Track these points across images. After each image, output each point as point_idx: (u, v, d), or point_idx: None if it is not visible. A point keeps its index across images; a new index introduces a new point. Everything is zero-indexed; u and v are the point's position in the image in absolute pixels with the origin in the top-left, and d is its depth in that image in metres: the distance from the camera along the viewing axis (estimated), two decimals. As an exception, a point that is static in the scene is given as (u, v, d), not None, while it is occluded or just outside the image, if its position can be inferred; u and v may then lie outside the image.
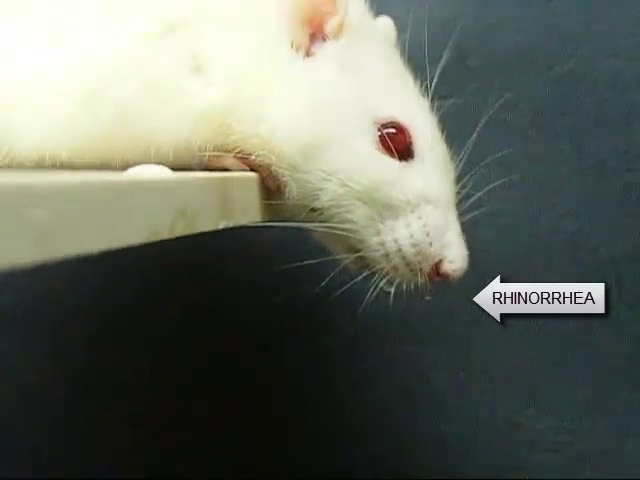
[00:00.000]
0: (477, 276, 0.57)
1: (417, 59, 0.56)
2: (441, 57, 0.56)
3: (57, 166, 0.48)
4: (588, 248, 0.81)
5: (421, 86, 0.56)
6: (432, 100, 0.55)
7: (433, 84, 0.54)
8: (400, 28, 0.62)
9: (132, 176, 0.34)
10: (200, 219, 0.40)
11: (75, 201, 0.28)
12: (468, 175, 0.54)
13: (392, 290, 0.52)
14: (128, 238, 0.32)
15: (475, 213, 0.55)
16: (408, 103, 0.53)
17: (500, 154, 0.62)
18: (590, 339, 0.81)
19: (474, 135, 0.55)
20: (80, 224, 0.28)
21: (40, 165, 0.48)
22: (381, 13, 0.59)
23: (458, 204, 0.54)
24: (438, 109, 0.55)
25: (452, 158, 0.54)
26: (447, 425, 0.84)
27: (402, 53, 0.59)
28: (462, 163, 0.54)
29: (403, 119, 0.51)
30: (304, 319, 0.84)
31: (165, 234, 0.36)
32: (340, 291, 0.54)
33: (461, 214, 0.54)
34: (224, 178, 0.45)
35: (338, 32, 0.52)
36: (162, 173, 0.42)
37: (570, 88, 0.81)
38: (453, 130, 0.56)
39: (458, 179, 0.54)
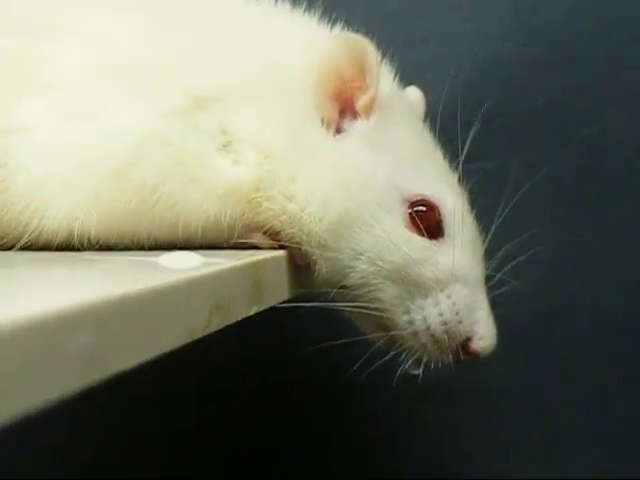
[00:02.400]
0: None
1: (443, 123, 0.56)
2: (466, 119, 0.56)
3: (85, 243, 0.48)
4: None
5: (447, 152, 0.56)
6: (460, 168, 0.55)
7: (463, 155, 0.54)
8: (425, 91, 0.62)
9: (168, 279, 0.33)
10: (233, 309, 0.39)
11: (119, 319, 0.28)
12: (497, 254, 0.54)
13: (420, 373, 0.51)
14: (167, 344, 0.32)
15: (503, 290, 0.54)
16: (438, 180, 0.53)
17: (527, 234, 0.61)
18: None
19: (504, 210, 0.54)
20: (123, 341, 0.28)
21: (69, 241, 0.48)
22: (407, 78, 0.59)
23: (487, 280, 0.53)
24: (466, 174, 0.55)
25: (480, 233, 0.54)
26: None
27: (429, 118, 0.59)
28: (489, 238, 0.54)
29: (433, 197, 0.51)
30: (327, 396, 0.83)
31: (201, 332, 0.35)
32: (369, 370, 0.53)
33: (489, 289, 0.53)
34: (255, 263, 0.44)
35: (369, 110, 0.51)
36: (194, 261, 0.41)
37: (594, 152, 0.80)
38: (478, 194, 0.55)
39: (486, 254, 0.54)
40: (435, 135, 0.57)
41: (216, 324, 0.37)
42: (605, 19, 0.82)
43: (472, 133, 0.55)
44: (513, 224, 0.57)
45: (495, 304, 0.53)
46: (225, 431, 0.85)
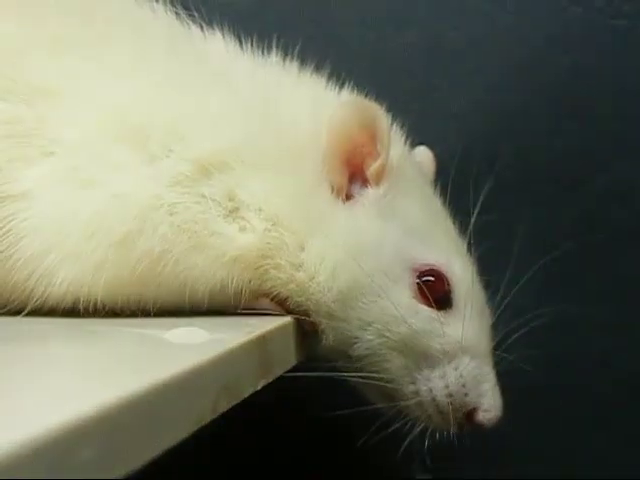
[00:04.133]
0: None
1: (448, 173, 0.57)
2: (474, 171, 0.56)
3: (91, 309, 0.47)
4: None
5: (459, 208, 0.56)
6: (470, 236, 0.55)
7: (472, 222, 0.54)
8: (433, 145, 0.62)
9: (175, 367, 0.33)
10: (241, 388, 0.39)
11: (121, 426, 0.27)
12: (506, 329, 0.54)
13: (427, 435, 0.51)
14: (176, 436, 0.31)
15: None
16: (447, 250, 0.52)
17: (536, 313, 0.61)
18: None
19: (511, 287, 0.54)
20: (128, 445, 0.27)
21: (74, 307, 0.47)
22: (412, 133, 0.59)
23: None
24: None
25: (489, 303, 0.54)
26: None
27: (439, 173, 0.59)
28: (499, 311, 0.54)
29: (441, 267, 0.51)
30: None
31: (209, 417, 0.35)
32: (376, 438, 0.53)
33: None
34: (262, 336, 0.43)
35: (380, 178, 0.51)
36: (201, 337, 0.41)
37: (603, 204, 0.80)
38: (484, 246, 0.55)
39: (495, 326, 0.54)
40: (446, 193, 0.57)
41: (224, 406, 0.36)
42: (609, 72, 0.82)
43: (483, 194, 0.55)
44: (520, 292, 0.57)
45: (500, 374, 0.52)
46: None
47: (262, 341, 0.43)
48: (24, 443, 0.21)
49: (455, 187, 0.56)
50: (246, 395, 0.40)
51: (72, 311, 0.48)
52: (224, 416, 0.36)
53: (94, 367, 0.35)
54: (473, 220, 0.54)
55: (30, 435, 0.22)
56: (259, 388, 0.42)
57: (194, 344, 0.39)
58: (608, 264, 0.80)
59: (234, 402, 0.38)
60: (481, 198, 0.55)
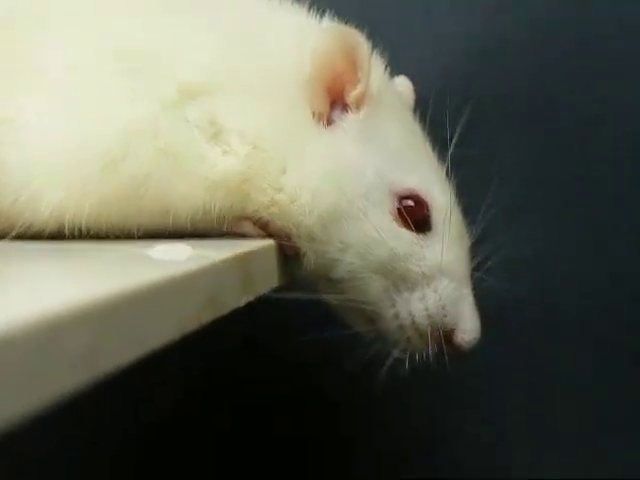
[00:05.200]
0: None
1: (426, 108, 0.57)
2: (451, 106, 0.56)
3: (76, 233, 0.48)
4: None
5: (436, 141, 0.56)
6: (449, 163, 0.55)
7: (451, 146, 0.54)
8: (412, 79, 0.62)
9: (160, 274, 0.34)
10: (225, 302, 0.40)
11: (113, 317, 0.28)
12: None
13: (406, 357, 0.52)
14: (160, 339, 0.32)
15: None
16: (427, 175, 0.53)
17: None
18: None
19: (490, 206, 0.55)
20: (118, 339, 0.28)
21: (59, 232, 0.48)
22: (394, 66, 0.59)
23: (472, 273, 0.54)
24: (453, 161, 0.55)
25: (467, 227, 0.55)
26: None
27: (417, 107, 0.59)
28: (476, 233, 0.55)
29: (421, 191, 0.52)
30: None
31: (193, 326, 0.36)
32: (357, 363, 0.54)
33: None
34: (245, 254, 0.44)
35: (360, 102, 0.52)
36: (184, 253, 0.41)
37: (581, 135, 0.81)
38: (463, 180, 0.56)
39: (473, 248, 0.54)
40: (425, 124, 0.57)
41: (207, 317, 0.37)
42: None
43: (461, 124, 0.55)
44: (499, 217, 0.57)
45: (481, 297, 0.53)
46: (216, 419, 0.86)
47: (244, 258, 0.44)
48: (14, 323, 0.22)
49: (433, 119, 0.57)
50: (229, 309, 0.41)
51: (57, 236, 0.48)
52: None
53: (83, 280, 0.36)
54: (450, 152, 0.55)
55: (27, 314, 0.22)
56: (242, 304, 0.43)
57: (178, 260, 0.40)
58: (588, 191, 0.81)
59: (217, 315, 0.39)
60: (458, 130, 0.55)
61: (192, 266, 0.37)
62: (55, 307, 0.24)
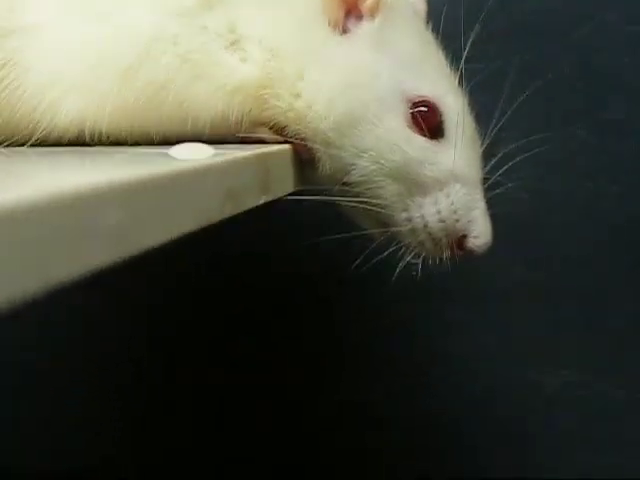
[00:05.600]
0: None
1: (439, 24, 0.58)
2: (462, 21, 0.56)
3: (96, 139, 0.49)
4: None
5: (448, 55, 0.57)
6: (461, 73, 0.56)
7: (463, 58, 0.55)
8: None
9: (186, 163, 0.35)
10: (245, 197, 0.41)
11: (146, 197, 0.29)
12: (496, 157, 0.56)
13: (419, 262, 0.53)
14: (186, 226, 0.33)
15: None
16: (440, 82, 0.54)
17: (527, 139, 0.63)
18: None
19: (503, 117, 0.56)
20: (147, 219, 0.30)
21: (79, 138, 0.49)
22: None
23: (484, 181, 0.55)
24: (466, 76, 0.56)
25: (479, 134, 0.55)
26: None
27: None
28: (488, 141, 0.55)
29: (434, 98, 0.52)
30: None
31: (216, 217, 0.37)
32: (369, 264, 0.55)
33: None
34: (263, 154, 0.45)
35: (374, 11, 0.52)
36: (205, 152, 0.43)
37: (588, 52, 0.82)
38: (475, 96, 0.57)
39: (484, 155, 0.55)
40: (437, 36, 0.58)
41: (229, 210, 0.39)
42: None
43: (471, 38, 0.56)
44: (511, 124, 0.58)
45: (493, 204, 0.54)
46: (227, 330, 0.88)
47: (263, 158, 0.45)
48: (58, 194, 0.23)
49: (446, 35, 0.57)
50: (249, 206, 0.42)
51: (77, 143, 0.50)
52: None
53: (108, 168, 0.38)
54: (463, 62, 0.55)
55: (65, 188, 0.24)
56: (261, 203, 0.44)
57: (199, 157, 0.42)
58: (589, 108, 0.82)
59: (238, 210, 0.40)
60: (469, 45, 0.56)
61: (214, 160, 0.39)
62: (89, 183, 0.25)
